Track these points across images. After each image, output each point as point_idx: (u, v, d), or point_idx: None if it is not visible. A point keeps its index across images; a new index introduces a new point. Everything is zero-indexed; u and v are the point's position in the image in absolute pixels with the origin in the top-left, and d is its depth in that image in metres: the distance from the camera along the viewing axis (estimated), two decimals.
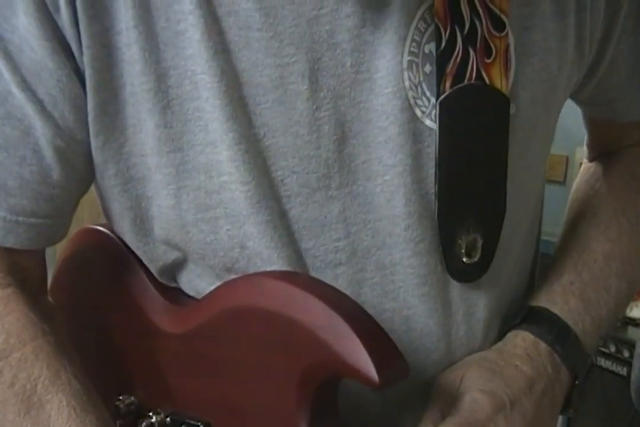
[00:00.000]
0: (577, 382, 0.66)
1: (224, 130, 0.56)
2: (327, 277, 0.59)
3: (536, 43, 0.61)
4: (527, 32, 0.61)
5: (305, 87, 0.56)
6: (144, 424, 0.64)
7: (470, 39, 0.58)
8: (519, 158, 0.62)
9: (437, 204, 0.59)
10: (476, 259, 0.61)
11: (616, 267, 0.71)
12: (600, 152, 0.81)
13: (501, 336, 0.66)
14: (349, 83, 0.57)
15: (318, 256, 0.59)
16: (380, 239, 0.60)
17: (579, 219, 0.75)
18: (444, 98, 0.58)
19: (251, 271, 0.59)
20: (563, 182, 2.20)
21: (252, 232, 0.58)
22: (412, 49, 0.57)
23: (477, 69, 0.59)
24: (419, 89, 0.58)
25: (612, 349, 1.81)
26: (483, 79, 0.59)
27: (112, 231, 0.68)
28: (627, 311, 1.77)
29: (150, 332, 0.65)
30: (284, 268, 0.59)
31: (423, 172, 0.59)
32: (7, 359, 0.60)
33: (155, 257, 0.64)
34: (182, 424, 0.63)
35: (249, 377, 0.58)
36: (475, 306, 0.64)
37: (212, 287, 0.61)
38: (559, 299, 0.68)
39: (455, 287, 0.62)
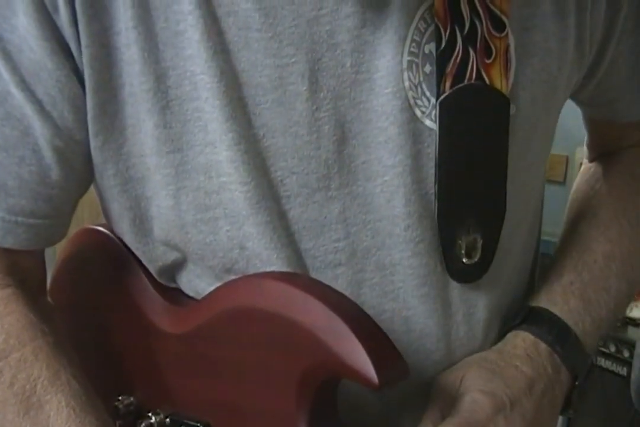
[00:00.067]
0: (577, 382, 0.66)
1: (223, 130, 0.56)
2: (327, 278, 0.59)
3: (536, 44, 0.61)
4: (527, 32, 0.60)
5: (305, 87, 0.56)
6: (143, 424, 0.64)
7: (470, 39, 0.58)
8: (519, 158, 0.62)
9: (437, 205, 0.59)
10: (476, 260, 0.61)
11: (616, 267, 0.71)
12: (601, 152, 0.81)
13: (501, 336, 0.66)
14: (349, 83, 0.57)
15: (318, 257, 0.59)
16: (380, 240, 0.60)
17: (579, 219, 0.75)
18: (444, 98, 0.58)
19: (251, 271, 0.59)
20: (563, 182, 2.20)
21: (252, 232, 0.58)
22: (412, 49, 0.57)
23: (477, 69, 0.59)
24: (419, 89, 0.58)
25: (612, 349, 1.81)
26: (483, 79, 0.59)
27: (112, 231, 0.68)
28: (627, 311, 1.77)
29: (150, 332, 0.65)
30: (284, 269, 0.59)
31: (423, 173, 0.59)
32: (6, 360, 0.60)
33: (154, 258, 0.64)
34: (181, 425, 0.63)
35: (248, 378, 0.58)
36: (475, 306, 0.63)
37: (212, 288, 0.61)
38: (559, 299, 0.68)
39: (455, 288, 0.62)
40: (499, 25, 0.59)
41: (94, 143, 0.59)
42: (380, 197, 0.59)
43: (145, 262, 0.66)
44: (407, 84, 0.57)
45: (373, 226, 0.59)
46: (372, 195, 0.59)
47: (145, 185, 0.60)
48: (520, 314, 0.67)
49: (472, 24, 0.58)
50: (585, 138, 0.82)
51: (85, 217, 0.87)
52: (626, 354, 1.78)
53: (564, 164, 2.21)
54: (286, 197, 0.58)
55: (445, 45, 0.57)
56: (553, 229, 0.78)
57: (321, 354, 0.53)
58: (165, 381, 0.65)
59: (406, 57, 0.57)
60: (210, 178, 0.58)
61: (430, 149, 0.58)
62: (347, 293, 0.58)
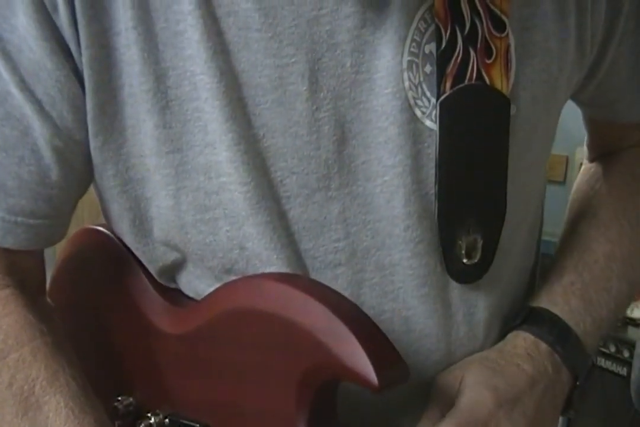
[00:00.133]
0: (578, 383, 0.66)
1: (223, 131, 0.56)
2: (327, 278, 0.59)
3: (537, 44, 0.61)
4: (527, 32, 0.60)
5: (305, 87, 0.56)
6: (142, 425, 0.64)
7: (470, 39, 0.58)
8: (520, 159, 0.62)
9: (437, 205, 0.59)
10: (476, 260, 0.61)
11: (617, 268, 0.71)
12: (601, 152, 0.81)
13: (502, 336, 0.66)
14: (349, 83, 0.57)
15: (317, 257, 0.59)
16: (379, 240, 0.60)
17: (580, 219, 0.75)
18: (444, 98, 0.58)
19: (250, 272, 0.59)
20: (563, 182, 2.20)
21: (252, 233, 0.58)
22: (412, 49, 0.57)
23: (478, 69, 0.58)
24: (419, 89, 0.58)
25: (612, 349, 1.81)
26: (483, 80, 0.59)
27: (112, 231, 0.68)
28: (628, 311, 1.77)
29: (150, 333, 0.65)
30: (284, 269, 0.58)
31: (423, 173, 0.59)
32: (5, 360, 0.60)
33: (154, 258, 0.64)
34: (180, 425, 0.63)
35: (248, 379, 0.57)
36: (475, 306, 0.63)
37: (212, 289, 0.61)
38: (559, 299, 0.68)
39: (455, 288, 0.62)
40: (500, 25, 0.59)
41: (93, 143, 0.59)
42: (380, 198, 0.59)
43: (145, 263, 0.66)
44: (407, 84, 0.57)
45: (373, 226, 0.59)
46: (372, 195, 0.59)
47: (145, 185, 0.60)
48: (520, 314, 0.66)
49: (473, 24, 0.58)
50: (585, 138, 0.82)
51: (85, 217, 0.87)
52: (626, 354, 1.78)
53: (564, 164, 2.21)
54: (286, 197, 0.58)
55: (445, 46, 0.57)
56: (553, 229, 0.78)
57: (321, 355, 0.52)
58: (165, 381, 0.65)
59: (406, 57, 0.57)
60: (210, 178, 0.58)
61: (431, 149, 0.58)
62: (347, 293, 0.58)
